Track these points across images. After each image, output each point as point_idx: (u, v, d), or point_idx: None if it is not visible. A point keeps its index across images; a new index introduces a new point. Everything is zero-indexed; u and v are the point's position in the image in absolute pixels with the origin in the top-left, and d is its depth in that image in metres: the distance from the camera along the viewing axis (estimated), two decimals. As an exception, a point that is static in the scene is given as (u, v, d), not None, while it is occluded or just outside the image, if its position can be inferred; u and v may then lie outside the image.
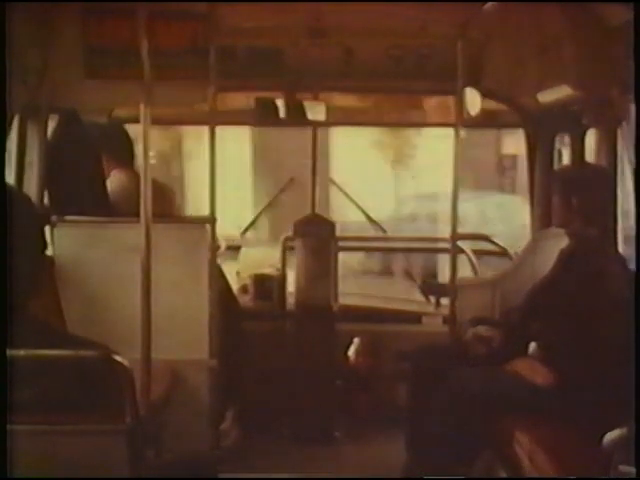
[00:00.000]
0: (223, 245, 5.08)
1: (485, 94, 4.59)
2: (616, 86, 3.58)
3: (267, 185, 11.08)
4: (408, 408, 4.13)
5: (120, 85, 3.97)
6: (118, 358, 2.36)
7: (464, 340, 4.00)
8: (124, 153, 4.54)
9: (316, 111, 4.86)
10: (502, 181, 15.67)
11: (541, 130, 4.90)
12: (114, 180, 4.44)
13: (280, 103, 4.83)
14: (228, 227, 5.26)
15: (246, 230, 6.04)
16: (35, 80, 3.90)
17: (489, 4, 3.79)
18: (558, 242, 4.04)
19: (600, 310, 3.47)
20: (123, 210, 4.18)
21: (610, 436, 2.48)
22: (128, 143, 4.58)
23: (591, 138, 4.37)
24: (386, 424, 4.61)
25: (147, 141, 3.22)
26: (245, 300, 5.24)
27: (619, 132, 3.79)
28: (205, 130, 3.94)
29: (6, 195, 2.31)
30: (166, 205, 4.49)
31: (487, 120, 5.00)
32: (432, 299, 5.43)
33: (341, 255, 5.11)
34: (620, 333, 2.88)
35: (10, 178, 3.99)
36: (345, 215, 7.10)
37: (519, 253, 4.90)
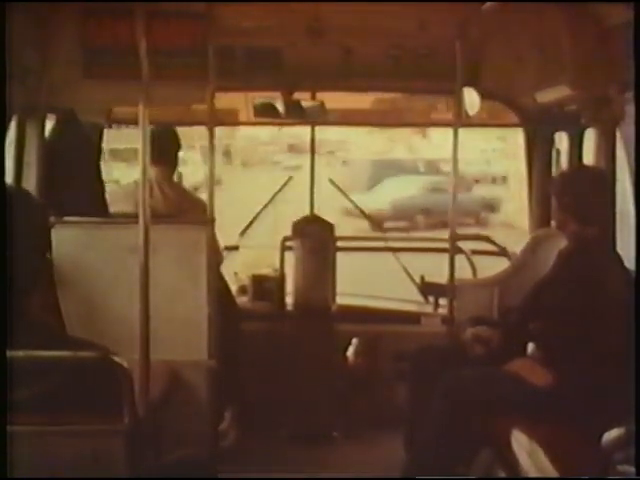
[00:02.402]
0: (221, 246, 5.07)
1: (484, 94, 4.59)
2: (614, 85, 3.58)
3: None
4: (407, 408, 4.13)
5: (118, 85, 3.95)
6: (117, 359, 2.36)
7: (463, 340, 4.00)
8: (169, 156, 4.80)
9: (315, 110, 4.85)
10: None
11: (540, 129, 4.90)
12: None
13: (279, 102, 4.83)
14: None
15: (244, 230, 6.02)
16: (34, 80, 3.89)
17: (488, 4, 3.79)
18: (557, 242, 4.04)
19: (598, 311, 3.47)
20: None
21: (609, 436, 2.48)
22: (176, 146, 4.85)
23: (590, 137, 4.37)
24: (385, 424, 4.61)
25: (145, 140, 3.22)
26: (243, 301, 5.23)
27: (618, 131, 3.79)
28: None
29: (6, 195, 2.30)
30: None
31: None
32: (431, 299, 5.43)
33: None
34: (619, 333, 2.88)
35: (9, 178, 3.99)
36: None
37: (518, 253, 4.90)
